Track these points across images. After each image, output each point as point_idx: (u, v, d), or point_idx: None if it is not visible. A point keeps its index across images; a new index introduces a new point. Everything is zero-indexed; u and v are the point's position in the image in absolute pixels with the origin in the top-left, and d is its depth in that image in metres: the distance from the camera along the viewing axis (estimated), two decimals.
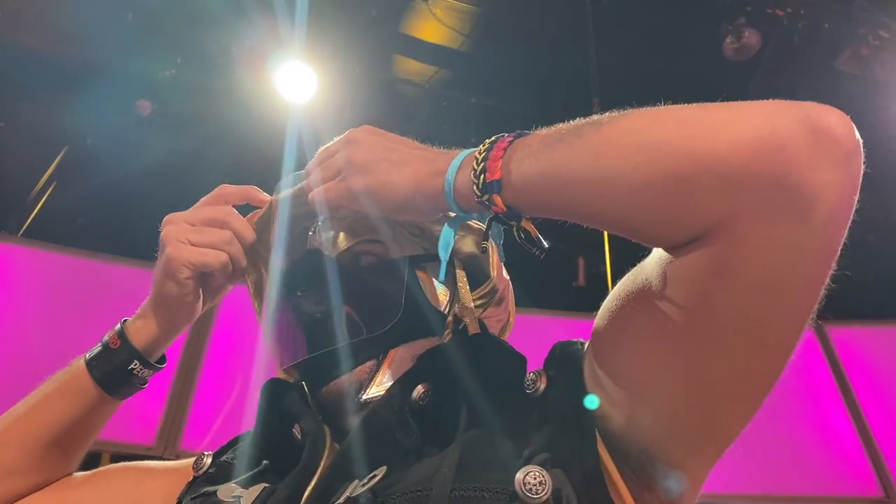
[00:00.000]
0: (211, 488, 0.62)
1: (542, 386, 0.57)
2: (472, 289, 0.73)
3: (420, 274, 0.69)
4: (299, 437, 0.63)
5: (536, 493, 0.46)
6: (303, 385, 0.67)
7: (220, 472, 0.66)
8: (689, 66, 3.96)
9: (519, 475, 0.48)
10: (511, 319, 0.80)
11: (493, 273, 0.77)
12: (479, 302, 0.72)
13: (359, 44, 3.96)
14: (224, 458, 0.68)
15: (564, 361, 0.59)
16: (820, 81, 3.80)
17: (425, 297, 0.68)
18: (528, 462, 0.50)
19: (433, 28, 4.07)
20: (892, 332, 3.20)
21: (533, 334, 3.09)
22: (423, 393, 0.58)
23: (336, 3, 3.76)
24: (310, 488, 0.55)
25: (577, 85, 4.15)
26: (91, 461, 2.84)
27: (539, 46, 4.17)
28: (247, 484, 0.61)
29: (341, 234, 0.69)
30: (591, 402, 0.55)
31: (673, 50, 3.90)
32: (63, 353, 2.84)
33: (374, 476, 0.52)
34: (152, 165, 3.88)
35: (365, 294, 0.67)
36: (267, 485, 0.59)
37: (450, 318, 0.67)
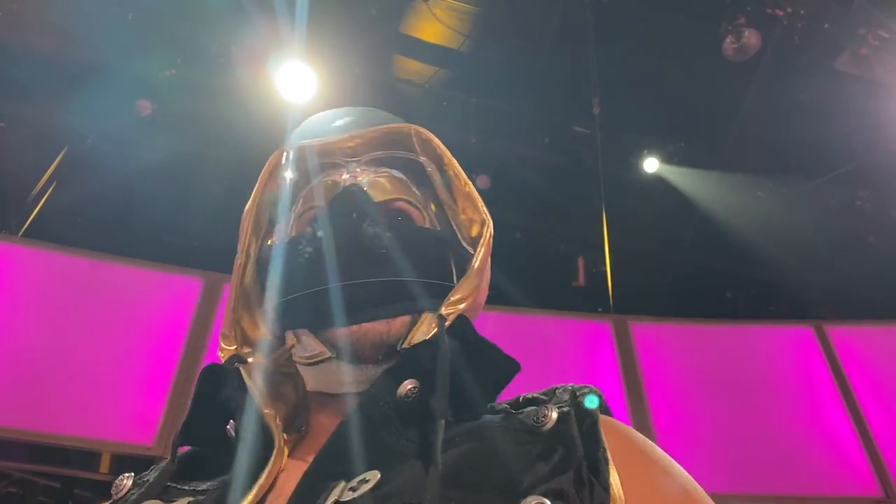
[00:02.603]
0: None
1: (552, 416, 0.55)
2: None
3: (462, 247, 0.69)
4: (233, 435, 0.59)
5: None
6: (240, 371, 0.59)
7: (146, 494, 0.58)
8: (689, 66, 3.96)
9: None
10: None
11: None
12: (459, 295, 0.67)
13: (359, 44, 3.96)
14: (148, 476, 0.62)
15: (580, 408, 0.57)
16: (820, 81, 3.80)
17: (455, 270, 0.68)
18: (531, 491, 0.48)
19: (433, 28, 4.07)
20: (892, 332, 3.20)
21: (533, 334, 3.10)
22: (410, 389, 0.55)
23: (336, 3, 3.76)
24: (293, 488, 0.51)
25: (577, 85, 4.15)
26: (91, 461, 2.84)
27: (539, 46, 4.17)
28: (173, 497, 0.56)
29: (381, 182, 0.67)
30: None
31: (673, 50, 3.90)
32: (63, 353, 2.85)
33: (366, 480, 0.49)
34: (152, 165, 3.88)
35: (413, 245, 0.63)
36: (192, 499, 0.54)
37: (440, 311, 0.62)
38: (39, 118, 4.00)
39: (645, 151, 4.67)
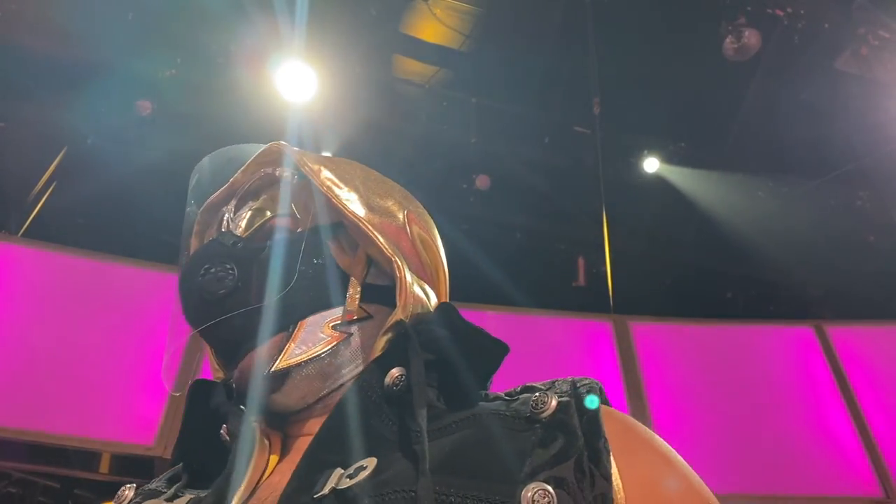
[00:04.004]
0: None
1: (552, 404, 0.55)
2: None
3: (331, 243, 0.67)
4: (227, 438, 0.60)
5: None
6: (231, 383, 0.64)
7: (148, 494, 0.62)
8: (689, 66, 3.96)
9: (527, 492, 0.46)
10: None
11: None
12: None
13: (359, 44, 3.96)
14: (151, 485, 0.64)
15: (580, 398, 0.57)
16: (820, 81, 3.80)
17: (335, 265, 0.65)
18: (533, 478, 0.48)
19: (433, 28, 4.07)
20: (892, 332, 3.19)
21: (533, 334, 3.10)
22: (397, 377, 0.56)
23: (336, 3, 3.76)
24: (287, 480, 0.52)
25: (577, 85, 4.15)
26: (91, 461, 2.84)
27: (539, 46, 4.17)
28: (172, 498, 0.58)
29: (247, 215, 0.69)
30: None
31: (673, 50, 3.90)
32: (63, 353, 2.85)
33: (363, 467, 0.50)
34: (152, 165, 3.88)
35: (268, 267, 0.64)
36: (192, 496, 0.57)
37: (403, 298, 0.62)
38: (39, 118, 4.00)
39: (645, 151, 4.68)
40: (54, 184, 4.11)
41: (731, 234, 4.60)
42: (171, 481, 0.63)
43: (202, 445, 0.61)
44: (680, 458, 0.57)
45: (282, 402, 0.61)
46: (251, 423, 0.59)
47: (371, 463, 0.50)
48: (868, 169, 4.05)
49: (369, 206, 0.68)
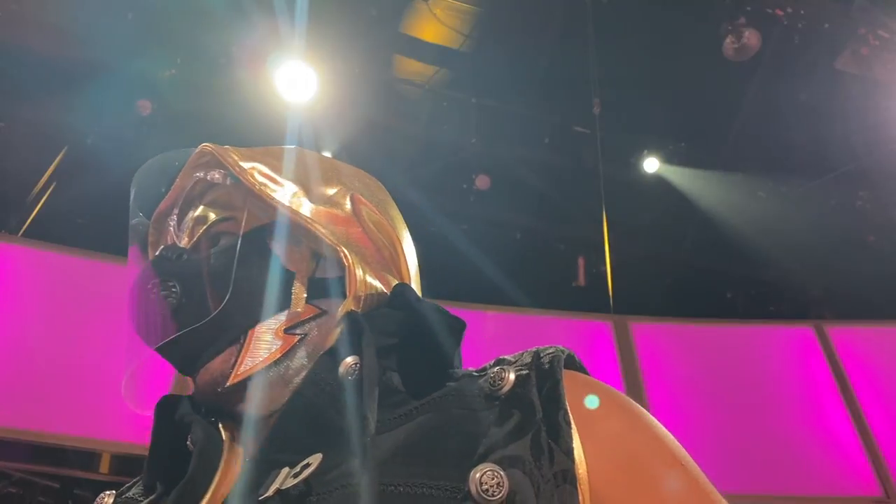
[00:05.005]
0: None
1: (510, 378, 0.52)
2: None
3: (274, 242, 0.64)
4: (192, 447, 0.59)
5: (493, 496, 0.43)
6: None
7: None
8: (690, 66, 3.96)
9: (475, 474, 0.44)
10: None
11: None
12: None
13: (359, 44, 3.96)
14: (129, 493, 0.64)
15: (541, 370, 0.54)
16: (820, 81, 3.80)
17: (280, 265, 0.62)
18: (483, 459, 0.46)
19: (433, 28, 4.07)
20: (892, 332, 3.20)
21: (533, 334, 3.10)
22: (352, 366, 0.53)
23: (336, 3, 3.76)
24: (216, 481, 0.52)
25: (577, 85, 4.15)
26: (91, 461, 2.84)
27: (539, 46, 4.17)
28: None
29: (190, 226, 0.67)
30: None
31: (673, 50, 3.91)
32: (63, 353, 2.85)
33: (308, 465, 0.48)
34: None
35: (210, 277, 0.62)
36: (152, 497, 0.57)
37: (353, 285, 0.60)
38: (39, 118, 4.00)
39: (645, 151, 4.68)
40: (54, 184, 4.11)
41: (731, 234, 4.60)
42: (148, 489, 0.62)
43: (171, 458, 0.60)
44: (650, 418, 0.54)
45: (249, 412, 0.59)
46: (219, 431, 0.58)
47: (316, 459, 0.48)
48: (868, 169, 4.05)
49: (312, 197, 0.65)
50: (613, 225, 4.07)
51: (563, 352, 0.56)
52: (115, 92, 3.82)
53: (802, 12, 3.52)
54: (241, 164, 0.66)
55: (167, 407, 0.64)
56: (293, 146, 0.73)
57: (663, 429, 0.54)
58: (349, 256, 0.61)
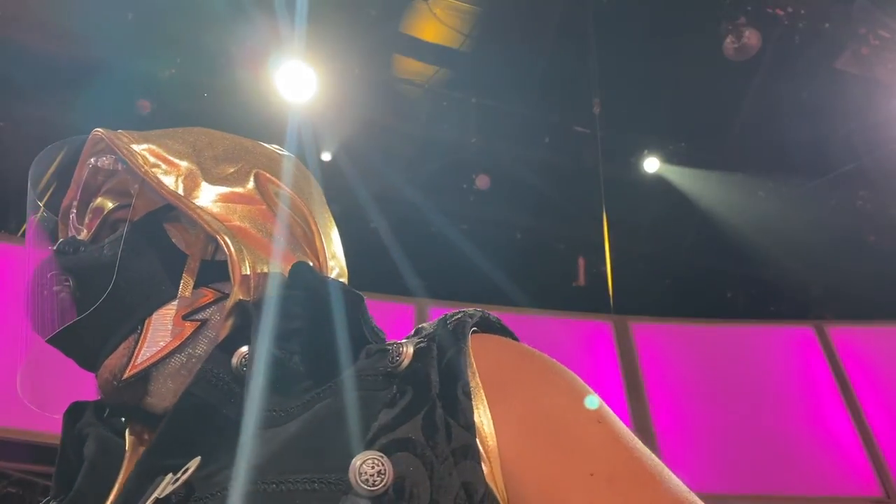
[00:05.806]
0: None
1: (408, 352, 0.48)
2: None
3: (170, 226, 0.61)
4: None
5: (374, 485, 0.40)
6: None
7: None
8: (690, 66, 3.96)
9: (356, 463, 0.40)
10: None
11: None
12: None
13: (359, 44, 3.96)
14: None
15: (444, 339, 0.50)
16: (820, 81, 3.80)
17: (176, 250, 0.60)
18: (370, 446, 0.42)
19: (433, 28, 4.07)
20: (892, 332, 3.20)
21: (533, 334, 3.09)
22: (245, 357, 0.50)
23: (336, 3, 3.76)
24: (112, 494, 0.49)
25: (577, 85, 4.16)
26: None
27: (539, 46, 4.17)
28: None
29: (93, 212, 0.65)
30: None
31: (673, 50, 3.91)
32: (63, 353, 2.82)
33: (187, 469, 0.44)
34: None
35: (104, 268, 0.59)
36: None
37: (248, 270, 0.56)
38: (39, 118, 4.00)
39: (645, 151, 4.68)
40: (55, 184, 4.11)
41: (731, 234, 4.60)
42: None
43: (74, 469, 0.57)
44: (568, 376, 0.50)
45: (157, 405, 0.56)
46: (121, 437, 0.55)
47: (194, 463, 0.45)
48: (868, 169, 4.05)
49: (209, 177, 0.62)
50: (613, 225, 4.08)
51: (471, 315, 0.52)
52: (115, 92, 3.82)
53: (803, 12, 3.52)
54: (132, 146, 0.62)
55: (74, 414, 0.61)
56: (197, 127, 0.69)
57: (582, 386, 0.50)
58: (230, 243, 0.56)
